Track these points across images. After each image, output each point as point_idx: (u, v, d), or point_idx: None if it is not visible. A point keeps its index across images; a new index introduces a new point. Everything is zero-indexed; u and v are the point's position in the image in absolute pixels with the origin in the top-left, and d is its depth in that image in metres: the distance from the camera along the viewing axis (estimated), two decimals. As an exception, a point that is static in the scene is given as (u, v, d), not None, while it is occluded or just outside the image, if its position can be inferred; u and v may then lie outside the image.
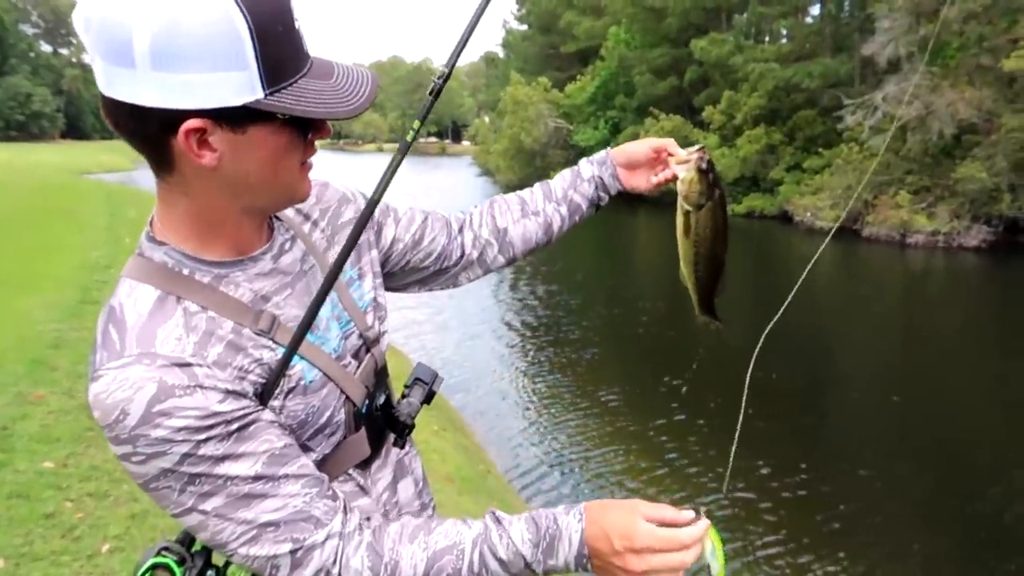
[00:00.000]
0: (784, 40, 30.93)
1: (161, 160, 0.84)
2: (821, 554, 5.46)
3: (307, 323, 0.90)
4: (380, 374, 1.13)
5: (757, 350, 1.54)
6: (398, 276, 1.27)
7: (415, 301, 11.56)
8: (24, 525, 3.21)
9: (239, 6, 0.76)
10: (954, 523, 6.02)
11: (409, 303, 11.66)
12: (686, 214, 1.34)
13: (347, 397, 1.02)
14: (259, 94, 0.79)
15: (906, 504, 6.29)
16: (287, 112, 0.81)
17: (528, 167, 40.32)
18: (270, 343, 0.92)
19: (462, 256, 1.34)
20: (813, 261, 1.90)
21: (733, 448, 1.56)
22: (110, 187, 23.98)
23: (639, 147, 1.40)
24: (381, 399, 1.11)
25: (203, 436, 0.81)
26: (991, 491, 6.41)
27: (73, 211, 15.61)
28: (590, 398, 8.66)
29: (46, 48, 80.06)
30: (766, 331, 1.57)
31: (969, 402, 8.92)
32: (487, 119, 66.82)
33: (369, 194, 0.97)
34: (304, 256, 1.02)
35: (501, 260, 1.40)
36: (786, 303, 1.64)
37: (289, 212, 1.05)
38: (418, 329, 11.38)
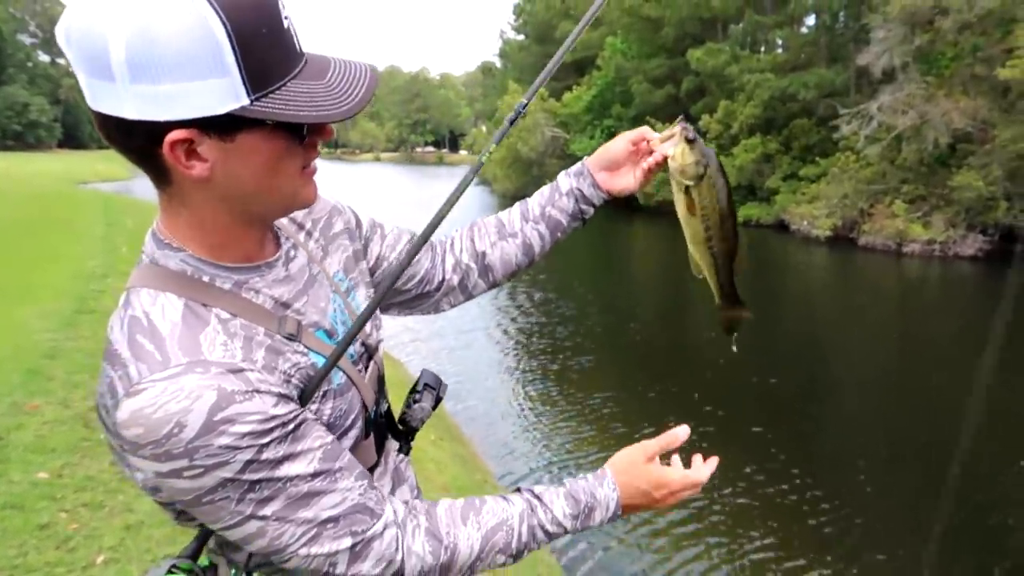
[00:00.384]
0: (780, 50, 31.07)
1: (155, 172, 0.83)
2: (814, 559, 5.46)
3: (355, 331, 0.93)
4: (380, 381, 1.14)
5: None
6: None
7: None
8: (18, 536, 3.19)
9: (216, 11, 0.72)
10: (949, 530, 6.01)
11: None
12: (685, 191, 1.27)
13: (363, 402, 1.03)
14: (244, 100, 0.76)
15: (901, 510, 6.29)
16: (275, 118, 0.78)
17: (525, 176, 40.39)
18: (301, 347, 0.92)
19: (443, 281, 1.32)
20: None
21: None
22: (107, 197, 23.96)
23: (615, 144, 1.33)
24: (384, 406, 1.12)
25: (265, 440, 0.79)
26: (986, 498, 6.41)
27: (70, 221, 15.58)
28: (585, 406, 8.64)
29: (44, 58, 80.00)
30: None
31: (965, 410, 8.92)
32: (484, 128, 67.01)
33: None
34: (308, 263, 1.02)
35: (482, 285, 1.37)
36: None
37: (283, 221, 1.04)
38: (413, 336, 11.35)
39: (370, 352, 1.10)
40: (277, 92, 0.78)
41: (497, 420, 8.34)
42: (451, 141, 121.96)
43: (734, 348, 1.47)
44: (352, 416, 1.00)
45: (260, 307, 0.91)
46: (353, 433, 1.01)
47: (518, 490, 1.07)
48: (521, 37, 54.87)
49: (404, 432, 1.16)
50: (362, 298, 1.13)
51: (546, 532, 1.03)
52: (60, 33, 0.75)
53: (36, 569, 2.98)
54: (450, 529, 0.97)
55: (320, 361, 0.93)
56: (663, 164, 1.29)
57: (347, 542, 0.88)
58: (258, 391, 0.80)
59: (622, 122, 36.05)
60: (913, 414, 8.55)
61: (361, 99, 0.82)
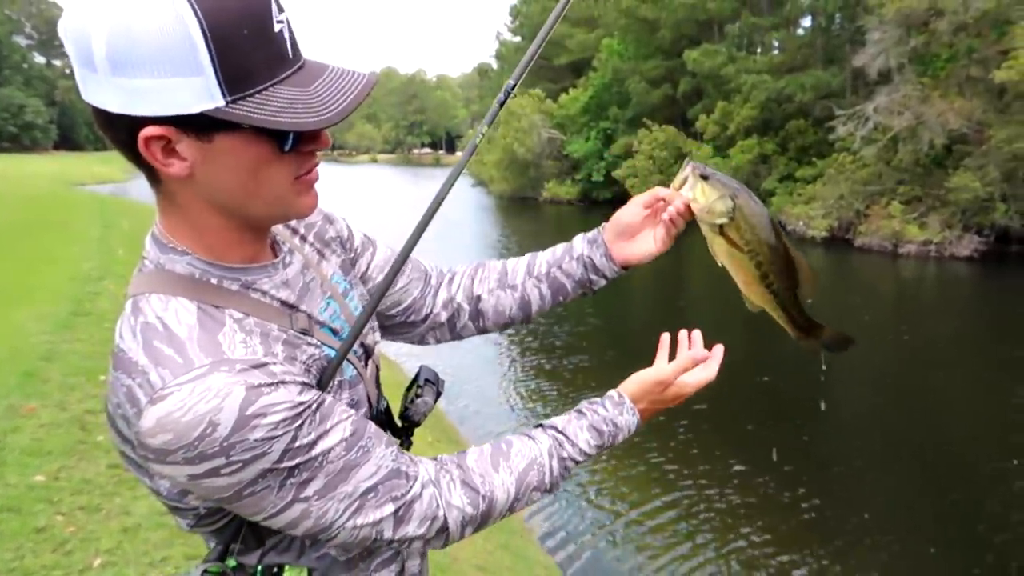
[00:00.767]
0: (776, 52, 31.16)
1: (144, 168, 0.83)
2: (806, 558, 5.48)
3: (363, 321, 0.95)
4: (378, 380, 1.14)
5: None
6: None
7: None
8: (15, 539, 3.18)
9: (193, 9, 0.72)
10: (945, 529, 6.04)
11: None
12: (721, 231, 1.15)
13: (368, 397, 1.05)
14: (219, 101, 0.75)
15: (897, 510, 6.30)
16: (247, 122, 0.77)
17: (522, 177, 40.45)
18: (315, 341, 0.94)
19: (430, 315, 1.30)
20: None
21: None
22: (103, 199, 23.94)
23: (627, 210, 1.26)
24: (384, 404, 1.13)
25: (297, 424, 0.80)
26: (983, 498, 6.43)
27: (65, 223, 15.56)
28: (582, 398, 8.65)
29: (39, 59, 79.99)
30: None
31: (960, 410, 8.95)
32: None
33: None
34: (302, 269, 1.03)
35: (471, 328, 1.33)
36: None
37: (278, 226, 1.04)
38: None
39: (368, 352, 1.11)
40: (255, 96, 0.77)
41: (490, 419, 8.35)
42: (448, 142, 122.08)
43: (823, 367, 1.41)
44: (362, 410, 1.02)
45: (269, 306, 0.92)
46: None
47: (540, 426, 1.11)
48: (518, 39, 54.89)
49: (404, 428, 1.17)
50: (357, 300, 1.13)
51: (575, 462, 1.08)
52: (60, 28, 0.77)
53: (33, 573, 2.97)
54: (484, 478, 1.00)
55: (332, 354, 0.95)
56: (686, 213, 1.19)
57: (389, 508, 0.89)
58: (283, 382, 0.80)
59: (618, 123, 36.12)
60: (908, 414, 8.57)
61: (342, 110, 0.80)
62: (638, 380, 1.16)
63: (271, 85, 0.78)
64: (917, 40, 21.08)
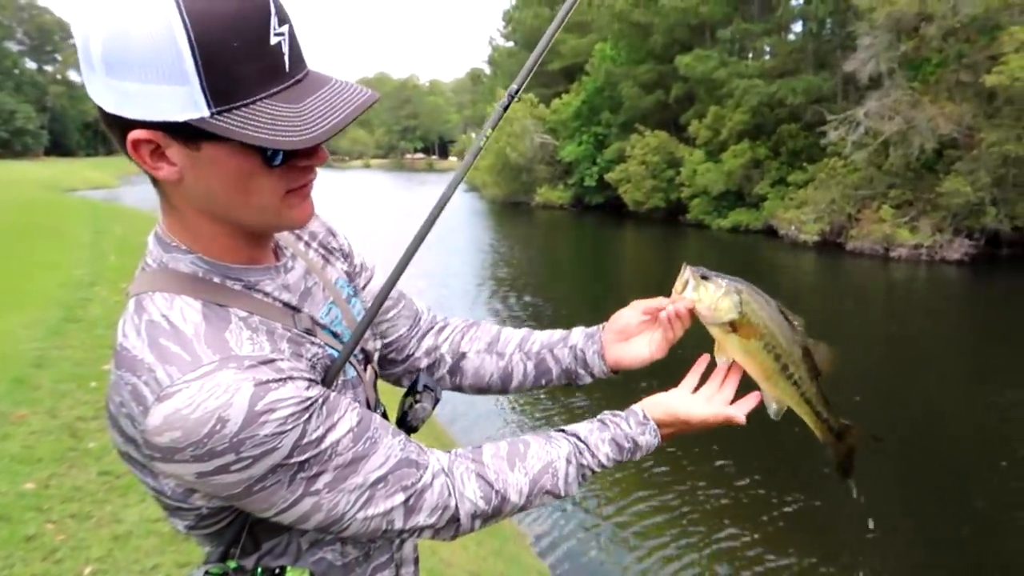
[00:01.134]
0: (767, 57, 31.34)
1: (142, 168, 0.83)
2: (797, 558, 5.48)
3: (367, 322, 0.97)
4: (376, 386, 1.15)
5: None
6: None
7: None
8: (5, 548, 3.16)
9: (182, 18, 0.72)
10: (935, 530, 6.06)
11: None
12: (733, 328, 1.13)
13: (367, 400, 1.05)
14: (203, 112, 0.75)
15: (886, 513, 6.31)
16: (228, 135, 0.75)
17: (514, 182, 40.48)
18: (318, 341, 0.95)
19: (410, 357, 1.30)
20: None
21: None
22: (95, 204, 23.86)
23: (627, 310, 1.27)
24: (381, 409, 1.13)
25: (306, 418, 0.80)
26: (971, 499, 6.45)
27: (57, 228, 15.50)
28: (567, 405, 8.67)
29: (31, 65, 79.64)
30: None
31: (950, 412, 8.99)
32: (473, 135, 67.08)
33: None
34: (306, 274, 1.03)
35: (448, 382, 1.33)
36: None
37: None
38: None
39: (368, 357, 1.12)
40: (241, 109, 0.76)
41: (480, 420, 8.36)
42: (441, 148, 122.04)
43: (854, 493, 1.32)
44: None
45: (272, 306, 0.92)
46: None
47: (561, 431, 1.11)
48: (510, 44, 55.05)
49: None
50: (361, 307, 1.14)
51: (592, 472, 1.09)
52: (72, 27, 0.80)
53: (23, 581, 2.95)
54: (499, 475, 1.00)
55: (335, 355, 0.96)
56: (685, 317, 1.18)
57: (400, 498, 0.90)
58: (291, 377, 0.81)
59: (611, 128, 36.20)
60: (898, 416, 8.59)
61: (327, 130, 0.78)
62: (665, 408, 1.15)
63: (260, 99, 0.77)
64: (907, 45, 21.24)
